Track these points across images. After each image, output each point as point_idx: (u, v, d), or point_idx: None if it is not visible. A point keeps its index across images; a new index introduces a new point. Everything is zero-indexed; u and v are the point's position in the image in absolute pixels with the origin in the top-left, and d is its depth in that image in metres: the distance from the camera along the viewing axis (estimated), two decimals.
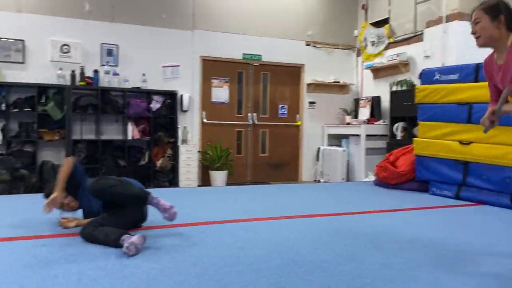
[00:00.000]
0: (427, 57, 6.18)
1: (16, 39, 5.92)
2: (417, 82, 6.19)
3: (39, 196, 4.13)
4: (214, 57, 7.08)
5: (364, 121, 7.07)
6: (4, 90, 5.67)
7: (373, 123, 6.99)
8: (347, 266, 2.27)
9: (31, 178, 5.48)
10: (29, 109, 5.79)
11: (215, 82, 7.16)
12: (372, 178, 6.34)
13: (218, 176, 6.75)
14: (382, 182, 5.41)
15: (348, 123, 7.43)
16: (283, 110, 7.63)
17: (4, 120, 5.72)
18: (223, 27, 7.09)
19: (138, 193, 2.82)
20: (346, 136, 7.44)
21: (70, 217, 3.03)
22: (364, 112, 7.35)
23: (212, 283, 1.98)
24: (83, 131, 6.18)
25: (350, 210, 3.88)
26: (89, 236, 2.62)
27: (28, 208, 3.68)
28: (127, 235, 2.46)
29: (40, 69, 6.04)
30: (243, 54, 7.23)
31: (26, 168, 5.58)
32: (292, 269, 2.20)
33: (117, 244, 2.46)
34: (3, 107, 5.62)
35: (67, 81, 6.03)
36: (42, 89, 5.90)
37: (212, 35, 7.02)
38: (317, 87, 7.72)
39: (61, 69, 6.02)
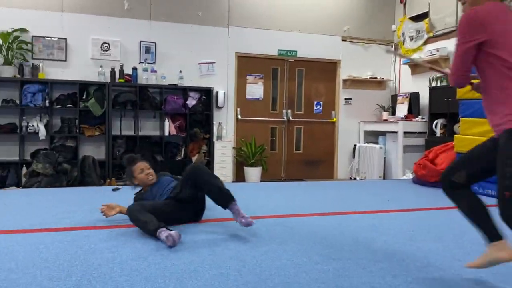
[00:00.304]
0: None
1: (59, 38, 6.13)
2: None
3: (80, 189, 4.27)
4: (249, 53, 7.09)
5: (402, 118, 6.91)
6: (47, 87, 5.88)
7: (411, 120, 6.83)
8: (387, 263, 2.23)
9: (73, 172, 5.67)
10: (71, 106, 5.98)
11: (250, 78, 7.18)
12: (410, 176, 6.20)
13: (253, 173, 6.77)
14: (421, 180, 5.29)
15: (385, 120, 7.29)
16: (318, 107, 7.57)
17: (48, 116, 5.93)
18: (258, 23, 7.09)
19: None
20: (383, 133, 7.30)
21: (113, 203, 3.05)
22: (402, 109, 7.19)
23: (252, 276, 1.99)
24: (122, 127, 6.33)
25: (389, 207, 3.81)
26: (133, 215, 2.72)
27: (71, 201, 3.81)
28: (164, 229, 2.51)
29: (81, 67, 6.23)
30: (278, 50, 7.21)
31: (68, 162, 5.77)
32: (331, 265, 2.18)
33: (152, 234, 2.54)
34: (47, 103, 5.83)
35: (107, 78, 6.20)
36: (84, 86, 6.08)
37: (247, 31, 7.04)
38: (353, 83, 7.61)
39: (101, 66, 6.18)
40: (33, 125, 5.79)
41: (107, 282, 1.88)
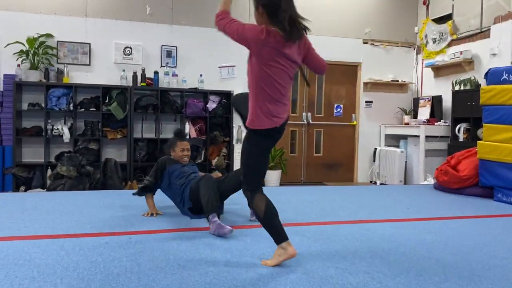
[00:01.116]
0: (494, 55, 5.83)
1: (83, 43, 6.26)
2: (482, 81, 5.88)
3: (103, 192, 4.35)
4: None
5: (424, 122, 6.81)
6: (72, 91, 6.02)
7: (433, 124, 6.73)
8: (404, 278, 2.21)
9: (96, 175, 5.79)
10: (94, 109, 6.11)
11: None
12: (431, 181, 6.11)
13: (272, 176, 6.78)
14: (443, 186, 5.20)
15: (407, 123, 7.20)
16: (338, 110, 7.52)
17: (72, 119, 6.07)
18: None
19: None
20: (404, 137, 7.21)
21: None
22: (424, 112, 7.08)
23: (273, 284, 2.00)
24: (144, 130, 6.43)
25: (409, 216, 3.77)
26: (205, 188, 3.14)
27: (93, 205, 3.89)
28: (214, 217, 2.96)
29: (104, 71, 6.36)
30: None
31: (91, 165, 5.89)
32: (347, 279, 2.17)
33: (206, 214, 3.03)
34: (71, 107, 5.97)
35: (129, 82, 6.30)
36: (106, 90, 6.21)
37: None
38: (374, 86, 7.54)
39: (123, 70, 6.29)
40: (57, 128, 5.94)
41: None
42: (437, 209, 4.12)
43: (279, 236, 2.33)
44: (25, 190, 5.67)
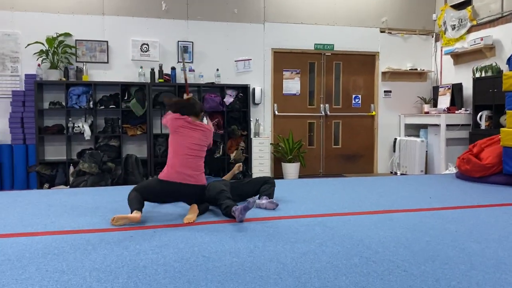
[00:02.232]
0: None
1: (100, 41, 6.34)
2: (504, 67, 5.77)
3: (124, 188, 4.41)
4: (285, 48, 7.08)
5: (444, 110, 6.71)
6: (91, 89, 6.10)
7: (454, 112, 6.62)
8: (429, 266, 2.20)
9: (117, 171, 5.87)
10: (114, 106, 6.19)
11: (286, 74, 7.16)
12: (453, 170, 6.03)
13: (291, 168, 6.78)
14: (465, 175, 5.13)
15: (427, 112, 7.10)
16: (356, 100, 7.46)
17: (92, 117, 6.16)
18: (294, 18, 7.05)
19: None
20: (424, 126, 7.12)
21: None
22: (444, 101, 6.97)
23: (291, 279, 2.01)
24: (163, 126, 6.49)
25: (431, 205, 3.73)
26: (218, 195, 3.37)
27: (116, 200, 3.95)
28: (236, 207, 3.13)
29: (122, 68, 6.43)
30: (315, 44, 7.15)
31: (112, 161, 5.98)
32: (371, 268, 2.17)
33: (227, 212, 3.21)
34: (91, 104, 6.06)
35: (147, 79, 6.36)
36: (125, 87, 6.28)
37: (283, 27, 7.02)
38: (392, 75, 7.45)
39: (141, 67, 6.35)
40: (78, 126, 6.04)
41: (152, 284, 1.96)
42: (460, 198, 4.07)
43: (133, 207, 3.16)
44: (49, 188, 5.79)
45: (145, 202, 3.34)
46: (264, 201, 3.56)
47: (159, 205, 3.79)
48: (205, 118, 6.46)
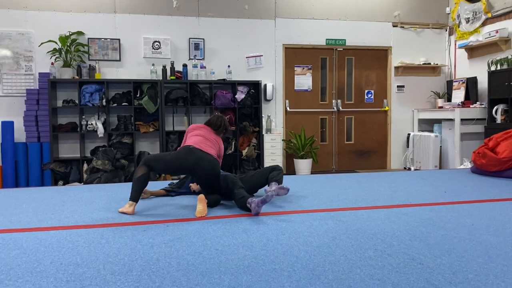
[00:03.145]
0: None
1: (112, 39, 6.37)
2: None
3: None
4: (296, 44, 7.04)
5: (458, 105, 6.61)
6: (104, 87, 6.14)
7: (468, 106, 6.52)
8: (446, 259, 2.16)
9: (130, 168, 5.91)
10: (126, 104, 6.22)
11: (298, 69, 7.13)
12: (468, 165, 5.94)
13: (303, 165, 6.75)
14: (480, 169, 5.05)
15: (441, 107, 7.01)
16: (369, 95, 7.40)
17: (105, 114, 6.21)
18: (305, 13, 7.01)
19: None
20: (438, 121, 7.04)
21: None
22: (458, 95, 6.88)
23: (305, 272, 2.00)
24: (175, 123, 6.51)
25: (446, 199, 3.67)
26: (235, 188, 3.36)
27: (129, 196, 3.96)
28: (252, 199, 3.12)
29: (134, 66, 6.46)
30: (326, 39, 7.11)
31: (125, 158, 6.02)
32: (386, 261, 2.14)
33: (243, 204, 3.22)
34: (104, 102, 6.10)
35: (159, 76, 6.38)
36: (137, 84, 6.31)
37: (294, 22, 6.98)
38: (405, 70, 7.37)
39: (153, 64, 6.37)
40: (91, 124, 6.08)
41: (165, 277, 1.96)
42: (476, 192, 4.00)
43: (133, 195, 3.24)
44: (63, 185, 5.85)
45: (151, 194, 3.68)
46: (274, 187, 3.49)
47: (171, 199, 3.80)
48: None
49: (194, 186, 3.95)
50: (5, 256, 2.29)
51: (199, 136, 3.58)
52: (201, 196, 3.30)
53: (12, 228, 2.90)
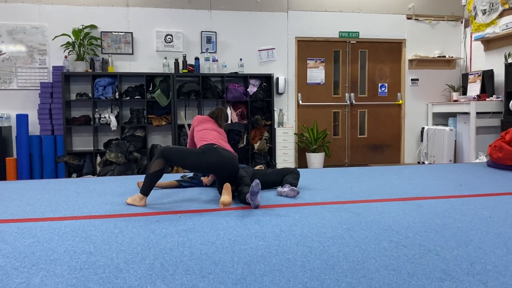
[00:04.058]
0: None
1: (125, 32, 6.39)
2: None
3: None
4: (309, 37, 6.98)
5: (474, 98, 6.50)
6: (117, 80, 6.17)
7: (484, 100, 6.41)
8: (463, 250, 2.12)
9: (143, 161, 5.93)
10: (139, 97, 6.24)
11: (310, 63, 7.08)
12: (483, 159, 5.84)
13: (315, 159, 6.71)
14: (496, 163, 4.96)
15: (456, 100, 6.90)
16: (383, 89, 7.31)
17: (118, 108, 6.23)
18: (318, 5, 6.95)
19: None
20: (453, 115, 6.93)
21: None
22: (474, 88, 6.76)
23: (319, 262, 1.97)
24: (187, 116, 6.51)
25: (462, 192, 3.61)
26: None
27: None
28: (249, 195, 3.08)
29: (147, 59, 6.47)
30: (340, 32, 7.03)
31: (138, 151, 6.05)
32: (402, 252, 2.11)
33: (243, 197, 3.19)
34: (117, 95, 6.12)
35: (171, 69, 6.38)
36: (150, 77, 6.32)
37: (307, 15, 6.92)
38: (420, 63, 7.26)
39: (165, 58, 6.38)
40: (105, 117, 6.12)
41: (178, 266, 1.95)
42: (492, 186, 3.93)
43: (147, 189, 3.21)
44: (77, 177, 5.90)
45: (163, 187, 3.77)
46: (286, 189, 3.51)
47: (184, 190, 3.81)
48: (228, 108, 6.45)
49: (205, 180, 3.95)
50: (20, 245, 2.30)
51: (213, 131, 3.58)
52: (228, 185, 3.29)
53: (26, 217, 2.93)
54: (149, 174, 3.21)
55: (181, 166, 3.39)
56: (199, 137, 3.54)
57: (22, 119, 5.84)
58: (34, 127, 6.13)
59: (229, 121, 6.45)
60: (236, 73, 6.54)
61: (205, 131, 3.57)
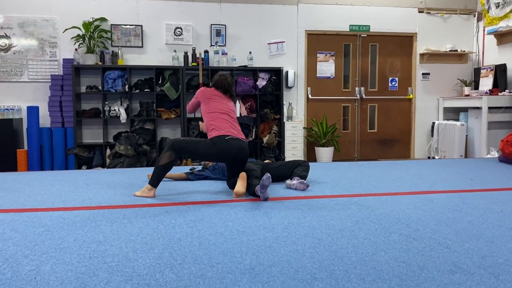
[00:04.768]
0: None
1: (135, 25, 6.39)
2: None
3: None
4: (319, 30, 6.93)
5: (486, 92, 6.41)
6: (126, 73, 6.18)
7: (496, 94, 6.32)
8: (474, 244, 2.09)
9: (152, 153, 5.95)
10: (148, 90, 6.25)
11: (320, 56, 7.03)
12: (495, 155, 5.77)
13: (324, 153, 6.68)
14: (508, 158, 4.89)
15: (467, 95, 6.82)
16: (393, 83, 7.25)
17: (128, 101, 6.25)
18: None
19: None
20: (464, 109, 6.85)
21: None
22: (486, 83, 6.67)
23: (328, 253, 1.96)
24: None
25: (473, 187, 3.57)
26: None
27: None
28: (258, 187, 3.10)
29: (156, 52, 6.47)
30: (350, 25, 6.97)
31: (147, 144, 6.07)
32: (412, 244, 2.09)
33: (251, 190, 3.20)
34: (126, 88, 6.14)
35: (181, 63, 6.38)
36: (159, 70, 6.32)
37: (317, 8, 6.87)
38: (431, 57, 7.18)
39: (175, 51, 6.37)
40: (114, 109, 6.14)
41: (187, 255, 1.95)
42: (504, 181, 3.88)
43: (156, 181, 3.23)
44: (87, 169, 5.93)
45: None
46: (295, 181, 3.49)
47: (192, 183, 3.81)
48: (237, 102, 6.43)
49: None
50: (31, 233, 2.32)
51: (224, 115, 3.44)
52: (243, 174, 3.31)
53: (37, 207, 2.95)
54: (159, 166, 3.21)
55: (191, 158, 3.40)
56: (209, 122, 3.39)
57: (32, 111, 5.88)
58: (44, 119, 6.18)
59: (238, 115, 6.43)
60: (245, 66, 6.52)
61: (214, 116, 3.40)
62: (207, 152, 3.27)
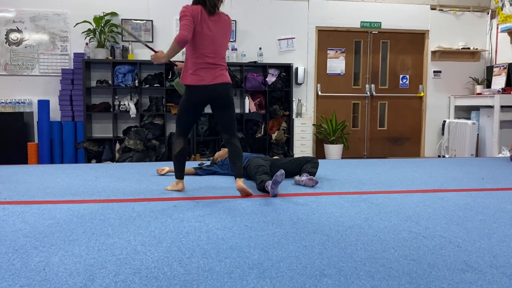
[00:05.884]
0: None
1: (146, 20, 6.39)
2: None
3: (168, 164, 4.47)
4: (330, 27, 6.88)
5: (499, 91, 6.33)
6: (136, 68, 6.19)
7: (509, 93, 6.24)
8: (485, 243, 2.06)
9: (161, 148, 5.96)
10: (158, 85, 6.25)
11: (330, 53, 6.98)
12: (507, 154, 5.70)
13: (333, 150, 6.64)
14: None
15: (479, 94, 6.74)
16: (404, 81, 7.18)
17: (137, 95, 6.26)
18: None
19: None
20: (476, 108, 6.77)
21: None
22: (499, 81, 6.58)
23: (337, 250, 1.95)
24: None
25: (484, 186, 3.53)
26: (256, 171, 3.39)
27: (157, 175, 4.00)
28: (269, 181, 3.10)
29: (166, 47, 6.40)
30: (361, 22, 6.91)
31: (156, 139, 6.08)
32: (422, 242, 2.06)
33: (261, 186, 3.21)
34: (136, 83, 6.15)
35: None
36: (169, 66, 6.31)
37: (328, 4, 6.82)
38: (443, 54, 7.10)
39: None
40: (124, 104, 6.15)
41: (195, 249, 1.95)
42: None
43: (178, 173, 3.27)
44: (96, 163, 5.96)
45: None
46: (303, 178, 3.48)
47: (201, 178, 3.81)
48: (246, 98, 6.42)
49: (216, 155, 4.13)
50: (40, 225, 2.34)
51: (211, 46, 3.10)
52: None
53: (47, 200, 2.97)
54: (174, 156, 3.28)
55: (187, 120, 3.23)
56: (194, 50, 3.13)
57: (43, 105, 5.92)
58: (55, 113, 6.21)
59: (247, 111, 6.43)
60: (255, 62, 6.50)
61: (202, 47, 3.08)
62: (189, 104, 3.27)
